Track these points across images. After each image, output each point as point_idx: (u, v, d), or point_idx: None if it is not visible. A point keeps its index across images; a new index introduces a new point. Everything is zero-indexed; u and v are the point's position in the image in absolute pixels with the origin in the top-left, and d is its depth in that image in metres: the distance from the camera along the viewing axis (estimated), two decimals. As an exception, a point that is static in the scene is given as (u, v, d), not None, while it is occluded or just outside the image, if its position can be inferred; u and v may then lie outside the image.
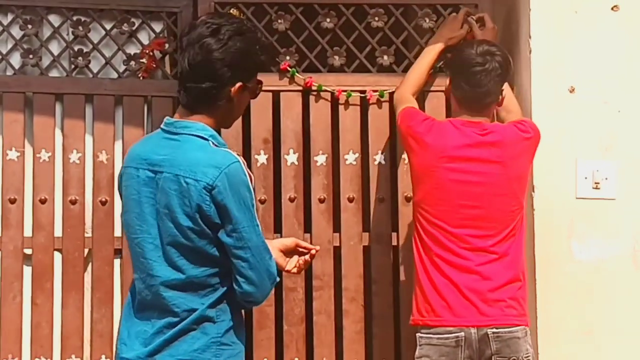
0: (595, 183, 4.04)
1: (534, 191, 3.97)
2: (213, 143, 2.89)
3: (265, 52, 2.96)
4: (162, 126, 2.97)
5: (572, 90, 4.06)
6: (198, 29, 2.90)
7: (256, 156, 4.17)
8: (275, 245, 3.09)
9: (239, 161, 2.87)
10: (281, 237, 4.15)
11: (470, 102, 3.75)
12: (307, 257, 3.15)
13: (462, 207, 3.69)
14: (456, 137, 3.71)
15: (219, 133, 2.98)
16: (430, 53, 4.02)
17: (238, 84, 2.90)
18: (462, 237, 3.69)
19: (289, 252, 3.14)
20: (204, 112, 2.93)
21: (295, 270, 3.16)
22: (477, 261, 3.69)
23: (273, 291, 3.99)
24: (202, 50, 2.88)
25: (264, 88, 3.97)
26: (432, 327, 3.67)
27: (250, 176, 2.89)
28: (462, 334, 3.63)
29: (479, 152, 3.71)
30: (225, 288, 2.90)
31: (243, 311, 3.02)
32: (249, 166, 4.08)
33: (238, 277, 2.86)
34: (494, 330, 3.64)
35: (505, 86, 3.90)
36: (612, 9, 4.08)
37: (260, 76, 3.97)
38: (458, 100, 3.78)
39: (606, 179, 4.05)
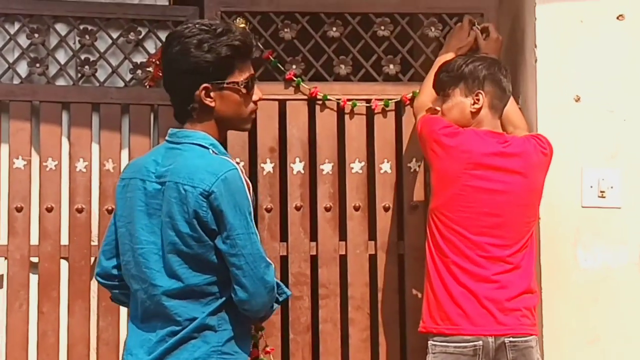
0: (601, 192, 4.05)
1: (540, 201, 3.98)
2: (213, 151, 2.91)
3: (225, 44, 2.88)
4: (166, 137, 3.00)
5: (577, 99, 4.07)
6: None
7: (262, 165, 4.18)
8: None
9: (236, 168, 2.87)
10: (287, 245, 4.19)
11: (503, 108, 3.81)
12: None
13: (484, 214, 3.70)
14: (482, 145, 3.71)
15: (225, 141, 3.00)
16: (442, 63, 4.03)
17: (202, 87, 2.90)
18: (481, 245, 3.69)
19: None
20: (191, 122, 2.95)
21: None
22: (494, 270, 3.69)
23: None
24: (165, 66, 2.94)
25: (269, 97, 4.12)
26: (448, 336, 3.67)
27: (248, 184, 2.88)
28: (480, 342, 3.64)
29: (503, 162, 3.72)
30: (226, 296, 2.90)
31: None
32: (255, 175, 4.15)
33: (234, 285, 2.87)
34: (511, 339, 3.66)
35: (512, 100, 3.92)
36: (617, 18, 4.09)
37: (267, 86, 4.12)
38: (496, 108, 3.77)
39: (612, 187, 4.05)
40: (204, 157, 2.89)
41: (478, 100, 3.75)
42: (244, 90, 2.94)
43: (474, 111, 3.76)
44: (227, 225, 2.83)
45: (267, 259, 2.91)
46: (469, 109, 3.76)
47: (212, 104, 2.92)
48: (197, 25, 2.91)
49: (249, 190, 2.88)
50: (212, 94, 2.91)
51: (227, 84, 2.92)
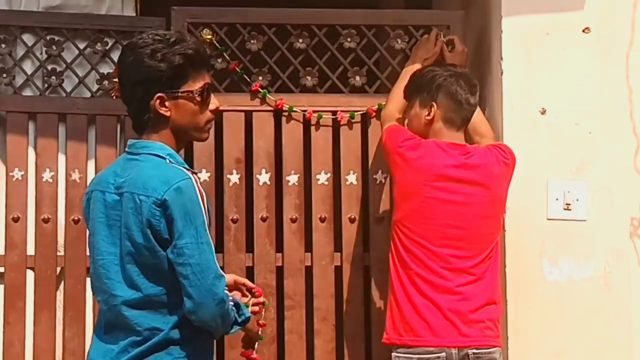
0: (566, 204, 4.05)
1: (505, 212, 3.97)
2: (170, 161, 2.90)
3: (178, 53, 2.88)
4: (126, 148, 3.01)
5: (543, 112, 4.08)
6: None
7: (228, 176, 4.18)
8: None
9: (190, 178, 2.86)
10: (253, 256, 4.19)
11: (464, 121, 3.81)
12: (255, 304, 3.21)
13: (447, 226, 3.70)
14: (443, 157, 3.73)
15: (188, 151, 2.99)
16: (410, 74, 4.05)
17: (156, 97, 2.90)
18: (443, 257, 3.70)
19: (230, 289, 3.15)
20: (148, 132, 2.95)
21: None
22: (457, 282, 3.70)
23: (244, 311, 4.10)
24: (120, 77, 2.96)
25: (236, 108, 4.14)
26: (412, 347, 3.67)
27: (201, 194, 2.88)
28: (444, 354, 3.64)
29: (465, 174, 3.73)
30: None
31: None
32: (221, 186, 4.15)
33: (183, 295, 2.86)
34: (475, 350, 3.67)
35: (478, 110, 3.93)
36: (583, 31, 4.10)
37: (233, 97, 4.13)
38: (450, 120, 3.77)
39: (577, 200, 4.06)
40: (159, 167, 2.89)
41: (430, 112, 3.76)
42: (198, 99, 2.94)
43: (427, 122, 3.77)
44: (175, 234, 2.82)
45: (218, 271, 2.89)
46: (423, 119, 3.78)
47: (168, 114, 2.92)
48: (150, 36, 2.92)
49: (202, 200, 2.88)
50: (167, 103, 2.91)
51: (182, 92, 2.91)
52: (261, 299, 3.25)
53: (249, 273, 4.16)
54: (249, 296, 3.22)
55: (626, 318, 4.05)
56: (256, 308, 3.22)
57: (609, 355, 4.03)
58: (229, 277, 3.21)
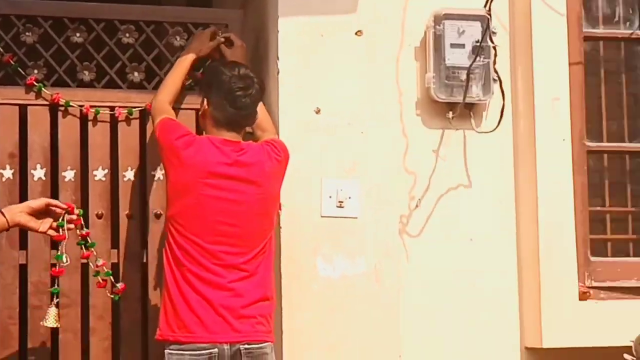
0: (339, 202, 4.16)
1: (280, 209, 4.05)
2: None
3: None
4: None
5: (317, 111, 4.18)
6: None
7: (2, 171, 4.08)
8: (21, 208, 3.37)
9: None
10: (27, 253, 4.11)
11: (232, 123, 3.83)
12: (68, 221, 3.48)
13: (218, 223, 3.74)
14: (216, 154, 3.76)
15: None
16: (183, 64, 4.10)
17: None
18: (215, 254, 3.73)
19: (40, 214, 3.39)
20: None
21: (52, 232, 3.44)
22: (229, 278, 3.74)
23: (17, 309, 4.02)
24: None
25: (10, 102, 4.06)
26: (184, 344, 3.69)
27: None
28: (216, 350, 3.68)
29: (237, 171, 3.77)
30: None
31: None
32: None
33: None
34: (246, 346, 3.72)
35: (260, 104, 3.99)
36: (356, 33, 4.22)
37: (7, 90, 4.06)
38: (216, 120, 3.82)
39: (349, 198, 4.17)
40: None
41: (200, 108, 3.84)
42: None
43: (201, 117, 3.87)
44: None
45: None
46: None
47: None
48: None
49: None
50: None
51: None
52: (74, 216, 3.52)
53: (22, 271, 4.08)
54: (62, 215, 3.45)
55: (395, 312, 4.19)
56: (72, 225, 3.50)
57: (379, 347, 4.16)
58: (41, 201, 3.46)
